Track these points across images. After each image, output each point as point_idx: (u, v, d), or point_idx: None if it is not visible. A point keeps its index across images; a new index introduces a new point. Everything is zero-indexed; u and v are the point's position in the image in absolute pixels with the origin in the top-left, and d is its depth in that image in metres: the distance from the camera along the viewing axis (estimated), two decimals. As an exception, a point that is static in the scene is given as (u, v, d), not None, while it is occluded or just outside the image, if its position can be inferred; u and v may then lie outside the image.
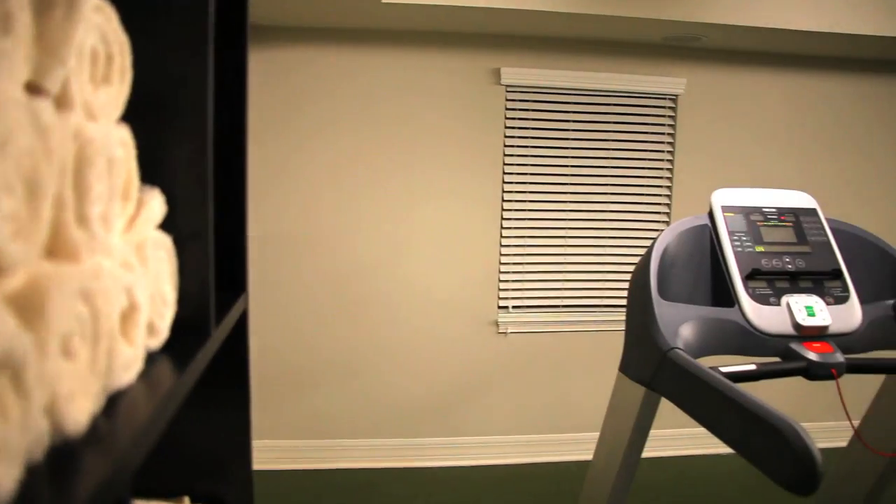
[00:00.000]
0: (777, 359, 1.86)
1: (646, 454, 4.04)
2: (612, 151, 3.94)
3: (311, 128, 3.71)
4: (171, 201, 0.77)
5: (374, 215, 3.79)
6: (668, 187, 4.01)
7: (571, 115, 3.89)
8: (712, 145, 4.04)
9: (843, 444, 2.48)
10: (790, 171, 4.17)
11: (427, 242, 3.84)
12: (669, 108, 3.97)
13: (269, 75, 3.65)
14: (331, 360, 3.83)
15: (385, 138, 3.76)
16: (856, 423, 2.34)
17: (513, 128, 3.85)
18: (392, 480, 3.75)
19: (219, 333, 0.84)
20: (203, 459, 1.12)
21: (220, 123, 1.05)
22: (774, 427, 1.29)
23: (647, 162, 3.98)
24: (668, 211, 4.03)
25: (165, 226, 0.77)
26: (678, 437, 4.06)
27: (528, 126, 3.86)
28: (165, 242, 0.75)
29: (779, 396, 4.01)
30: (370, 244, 3.80)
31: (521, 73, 3.80)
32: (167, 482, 1.11)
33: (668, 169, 4.00)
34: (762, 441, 1.32)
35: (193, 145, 0.77)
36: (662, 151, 3.99)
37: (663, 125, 3.97)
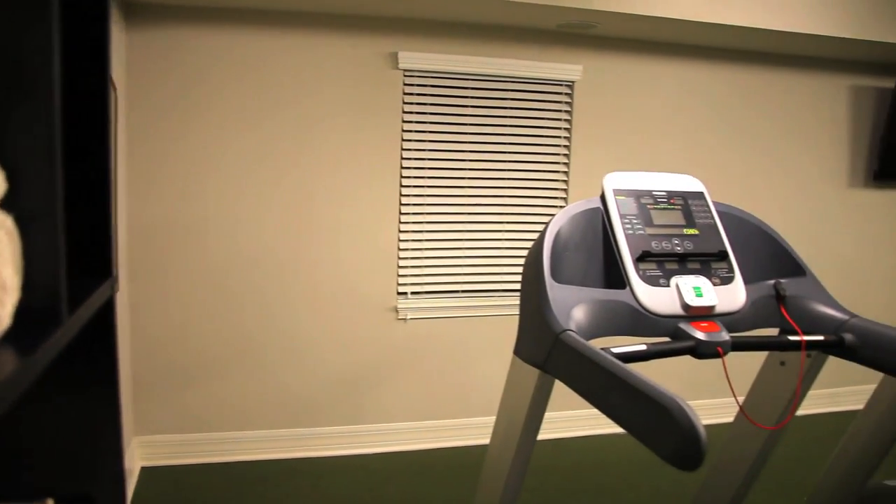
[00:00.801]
0: (667, 338, 1.90)
1: (547, 436, 4.15)
2: (510, 137, 3.95)
3: (200, 113, 3.57)
4: (13, 178, 0.70)
5: (268, 202, 3.69)
6: (566, 172, 4.07)
7: (470, 100, 3.88)
8: (608, 130, 4.12)
9: (732, 419, 2.57)
10: (681, 156, 4.29)
11: (323, 229, 3.77)
12: (566, 94, 4.02)
13: (152, 56, 3.49)
14: (224, 352, 3.72)
15: (279, 124, 3.66)
16: (743, 398, 2.43)
17: (411, 112, 3.82)
18: (290, 472, 3.69)
19: (73, 322, 0.78)
20: (69, 458, 1.04)
21: (78, 99, 0.97)
22: (661, 405, 1.31)
23: (545, 147, 4.02)
24: (565, 196, 4.08)
25: (8, 205, 0.70)
26: (578, 417, 4.14)
27: (426, 111, 3.84)
28: (5, 223, 0.68)
29: (680, 373, 4.14)
30: (264, 232, 3.70)
31: (419, 57, 3.76)
32: (29, 483, 1.03)
33: (564, 154, 4.05)
34: (649, 419, 1.34)
35: (37, 119, 0.70)
36: (559, 137, 4.03)
37: (560, 111, 4.02)
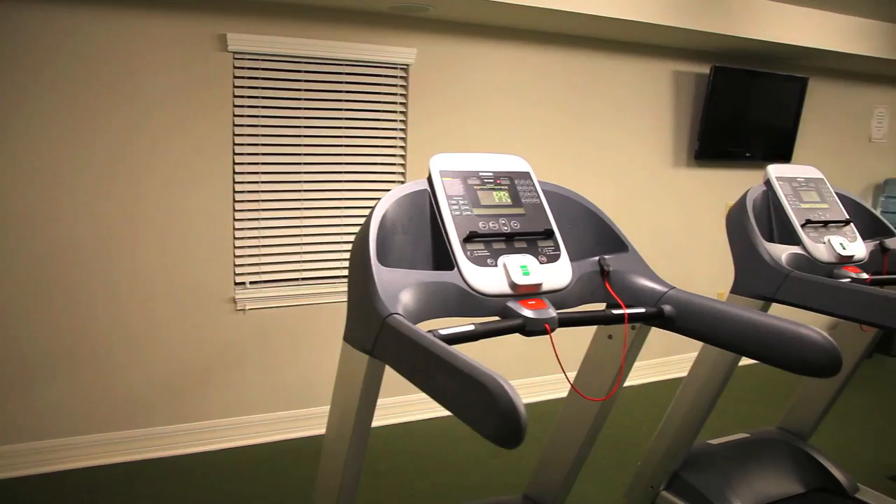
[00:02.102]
0: (496, 318, 1.91)
1: (397, 420, 4.14)
2: (346, 121, 3.89)
3: (14, 99, 3.28)
4: None
5: (90, 194, 3.44)
6: (403, 156, 4.05)
7: (304, 83, 3.78)
8: (444, 113, 4.13)
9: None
10: (516, 137, 4.38)
11: (152, 220, 3.57)
12: (401, 77, 3.99)
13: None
14: (45, 354, 3.45)
15: (99, 109, 3.42)
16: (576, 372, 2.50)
17: (242, 97, 3.67)
18: (129, 476, 3.49)
19: None
20: None
21: None
22: (482, 384, 1.30)
23: (381, 131, 3.98)
24: (403, 179, 4.07)
25: None
26: (419, 401, 4.16)
27: (258, 95, 3.71)
28: None
29: (530, 351, 4.23)
30: (85, 224, 3.46)
31: (249, 39, 3.62)
32: None
33: (401, 137, 4.04)
34: (471, 398, 1.33)
35: None
36: (395, 120, 4.01)
37: (395, 94, 3.99)
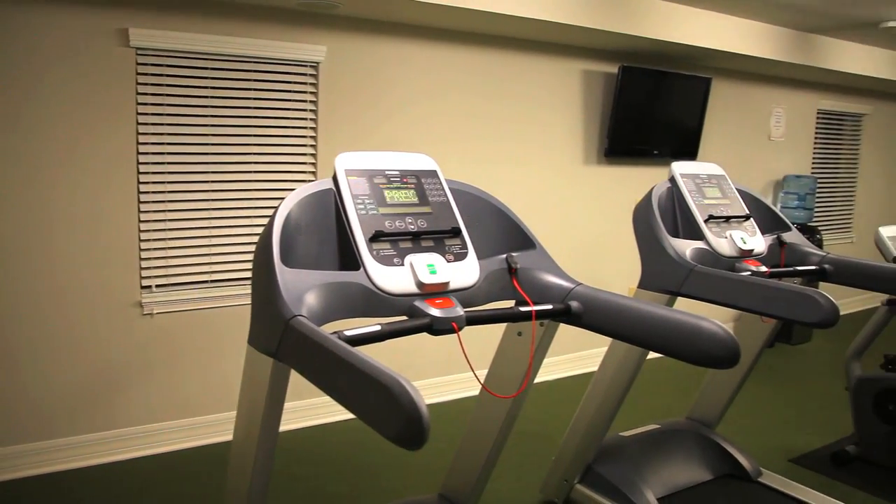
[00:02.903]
0: (404, 317, 1.90)
1: (306, 423, 4.07)
2: (255, 119, 3.81)
3: None
4: None
5: (-19, 194, 3.28)
6: (314, 154, 4.00)
7: (211, 81, 3.69)
8: (356, 112, 4.09)
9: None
10: (429, 136, 4.38)
11: (52, 224, 3.42)
12: (311, 75, 3.94)
13: None
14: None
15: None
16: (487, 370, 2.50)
17: (146, 94, 3.55)
18: (34, 490, 3.33)
19: None
20: None
21: None
22: (384, 385, 1.29)
23: (291, 130, 3.92)
24: (313, 179, 4.01)
25: None
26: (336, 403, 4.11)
27: (163, 93, 3.59)
28: None
29: (446, 350, 4.23)
30: (-21, 227, 3.29)
31: (153, 34, 3.50)
32: None
33: (311, 136, 3.98)
34: (374, 400, 1.32)
35: None
36: (306, 119, 3.95)
37: (305, 92, 3.93)
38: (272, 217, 1.83)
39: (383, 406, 1.29)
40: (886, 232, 3.96)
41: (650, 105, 5.23)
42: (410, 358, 4.41)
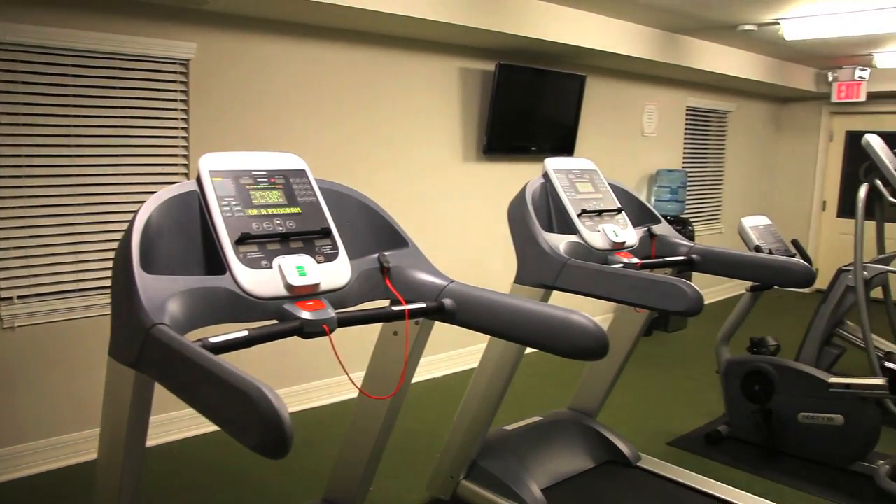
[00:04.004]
0: (274, 321, 1.85)
1: (186, 434, 3.93)
2: (120, 119, 3.64)
3: None
4: None
5: None
6: (185, 156, 3.86)
7: (73, 78, 3.49)
8: (230, 111, 3.98)
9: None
10: (306, 134, 4.31)
11: None
12: (181, 73, 3.80)
13: None
14: None
15: None
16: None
17: (4, 92, 3.34)
18: None
19: None
20: None
21: None
22: (242, 392, 1.25)
23: (161, 130, 3.77)
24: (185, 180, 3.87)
25: None
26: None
27: (20, 91, 3.37)
28: None
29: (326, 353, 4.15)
30: None
31: (7, 28, 3.28)
32: None
33: (183, 137, 3.85)
34: (234, 409, 1.27)
35: None
36: (177, 119, 3.81)
37: (175, 91, 3.80)
38: (131, 221, 1.75)
39: (243, 414, 1.25)
40: (748, 222, 4.16)
41: (528, 102, 5.32)
42: (294, 361, 4.34)
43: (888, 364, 3.47)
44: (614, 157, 6.47)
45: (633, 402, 4.77)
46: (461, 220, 5.23)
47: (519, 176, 5.45)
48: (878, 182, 4.41)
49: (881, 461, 3.64)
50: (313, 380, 4.47)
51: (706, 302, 7.73)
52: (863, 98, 7.63)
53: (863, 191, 4.37)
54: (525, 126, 5.41)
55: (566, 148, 5.70)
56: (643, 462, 3.58)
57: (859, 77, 7.53)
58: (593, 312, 5.73)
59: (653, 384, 5.20)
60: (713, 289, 7.91)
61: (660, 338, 6.46)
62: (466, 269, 5.13)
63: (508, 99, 5.14)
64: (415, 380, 4.93)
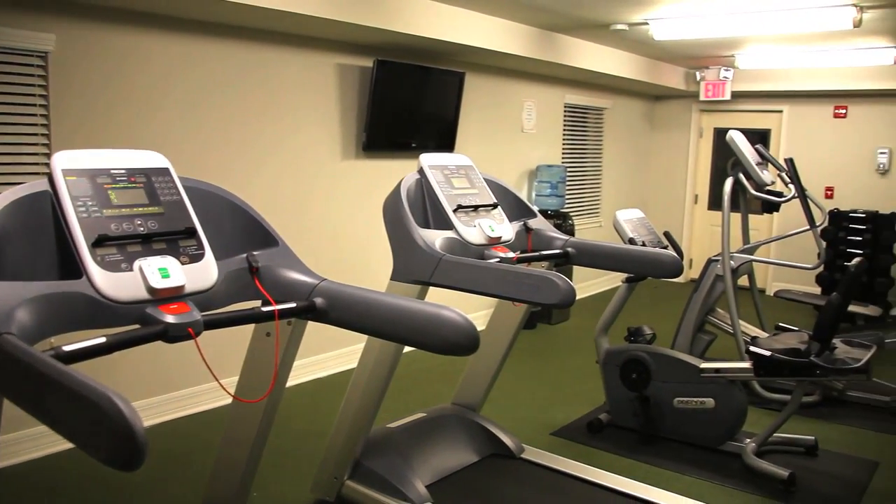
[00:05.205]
0: (137, 326, 1.77)
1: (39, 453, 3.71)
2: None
3: None
4: None
5: None
6: (46, 154, 3.65)
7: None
8: (95, 106, 3.79)
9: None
10: (178, 130, 4.17)
11: None
12: (39, 66, 3.59)
13: None
14: None
15: None
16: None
17: None
18: None
19: None
20: None
21: None
22: (92, 402, 1.18)
23: (16, 127, 3.54)
24: (49, 181, 3.67)
25: None
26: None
27: None
28: None
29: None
30: None
31: None
32: None
33: (44, 135, 3.64)
34: (84, 420, 1.20)
35: None
36: (35, 115, 3.60)
37: (33, 85, 3.58)
38: (-28, 226, 1.63)
39: (93, 426, 1.18)
40: (623, 216, 4.30)
41: (407, 99, 5.32)
42: (168, 368, 4.19)
43: (752, 348, 3.66)
44: (495, 153, 6.55)
45: (518, 395, 4.85)
46: (341, 217, 5.17)
47: (400, 172, 5.40)
48: (742, 176, 4.64)
49: (748, 440, 3.83)
50: (190, 386, 4.32)
51: (589, 294, 7.99)
52: (728, 97, 8.03)
53: (728, 184, 4.59)
54: (405, 122, 5.40)
55: (447, 144, 5.73)
56: (527, 453, 3.64)
57: (724, 77, 7.93)
58: (475, 307, 5.80)
59: (536, 376, 5.30)
60: (594, 281, 8.15)
61: (543, 330, 6.59)
62: (347, 267, 5.09)
63: (388, 95, 5.12)
64: (302, 380, 4.90)
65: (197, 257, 1.89)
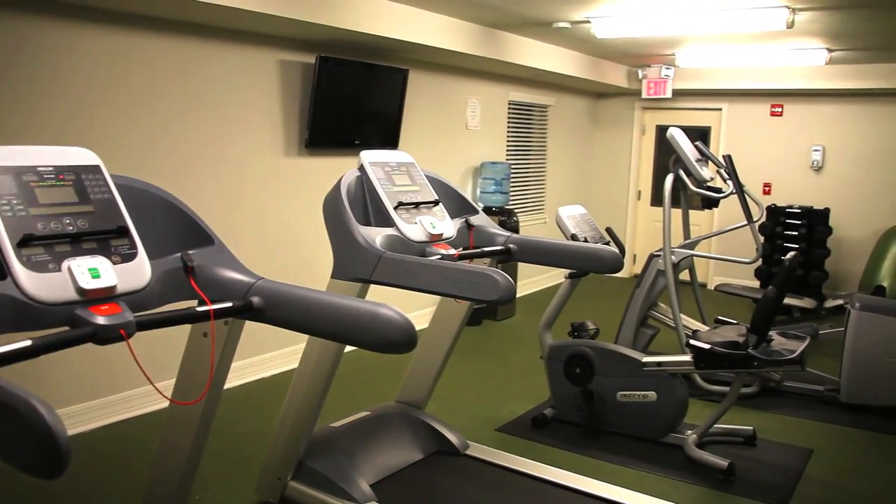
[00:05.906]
0: (66, 328, 1.72)
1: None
2: None
3: None
4: None
5: None
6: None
7: None
8: (21, 103, 3.68)
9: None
10: (111, 128, 4.07)
11: None
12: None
13: None
14: None
15: None
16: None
17: None
18: None
19: None
20: None
21: None
22: (12, 408, 1.14)
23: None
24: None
25: None
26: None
27: None
28: None
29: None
30: None
31: None
32: None
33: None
34: (3, 427, 1.16)
35: None
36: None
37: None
38: None
39: (14, 432, 1.14)
40: (565, 212, 4.33)
41: (350, 96, 5.28)
42: (106, 371, 4.09)
43: (693, 342, 3.73)
44: (439, 150, 6.56)
45: (462, 392, 4.86)
46: (283, 216, 5.12)
47: (343, 170, 5.36)
48: (682, 173, 4.72)
49: (689, 431, 3.90)
50: (137, 387, 4.23)
51: (533, 290, 8.05)
52: (669, 94, 8.17)
53: (669, 180, 4.66)
54: (349, 120, 5.37)
55: (391, 141, 5.71)
56: (471, 450, 3.64)
57: (665, 75, 8.06)
58: (418, 305, 5.80)
59: (481, 372, 5.32)
60: (538, 277, 8.21)
61: (488, 326, 6.62)
62: (290, 266, 5.04)
63: (330, 92, 5.07)
64: (244, 380, 4.83)
65: (129, 257, 1.85)
